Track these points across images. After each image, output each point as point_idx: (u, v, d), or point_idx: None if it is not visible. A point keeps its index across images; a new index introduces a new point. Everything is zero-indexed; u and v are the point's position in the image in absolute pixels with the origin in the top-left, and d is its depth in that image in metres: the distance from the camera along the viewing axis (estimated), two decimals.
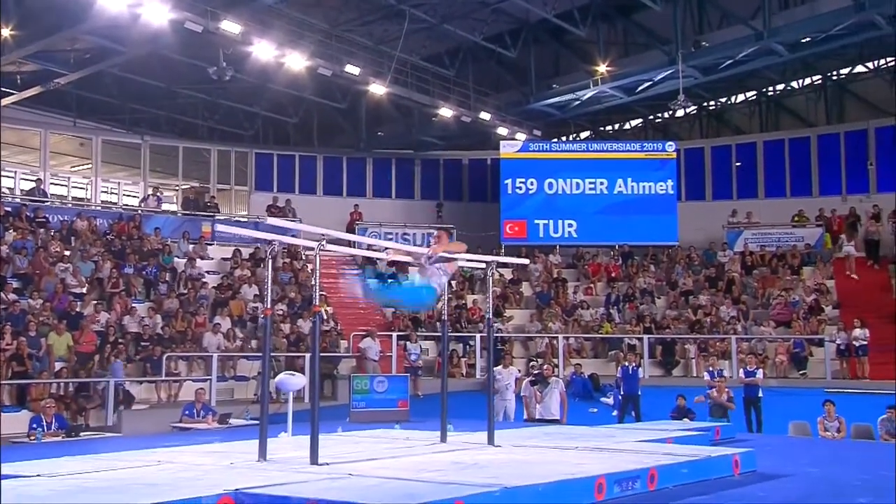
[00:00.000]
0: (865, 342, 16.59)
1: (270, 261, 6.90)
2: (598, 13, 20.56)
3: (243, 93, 22.91)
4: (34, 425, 11.29)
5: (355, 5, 19.87)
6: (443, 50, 22.28)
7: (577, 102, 22.82)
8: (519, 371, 14.43)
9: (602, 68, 21.10)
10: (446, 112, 21.61)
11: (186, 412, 12.56)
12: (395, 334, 18.07)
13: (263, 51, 17.61)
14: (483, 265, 7.95)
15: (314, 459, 6.06)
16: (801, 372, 17.30)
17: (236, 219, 22.94)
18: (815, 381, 16.74)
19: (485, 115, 22.23)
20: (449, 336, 19.09)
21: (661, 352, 18.56)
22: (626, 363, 14.28)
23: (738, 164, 24.68)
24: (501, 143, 23.38)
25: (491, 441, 7.26)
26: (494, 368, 14.58)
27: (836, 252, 21.25)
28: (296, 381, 9.30)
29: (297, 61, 18.21)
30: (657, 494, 5.40)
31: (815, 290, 19.36)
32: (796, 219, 22.49)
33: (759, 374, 13.77)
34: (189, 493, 4.84)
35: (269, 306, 6.90)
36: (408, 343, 17.06)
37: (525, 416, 12.48)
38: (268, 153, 24.47)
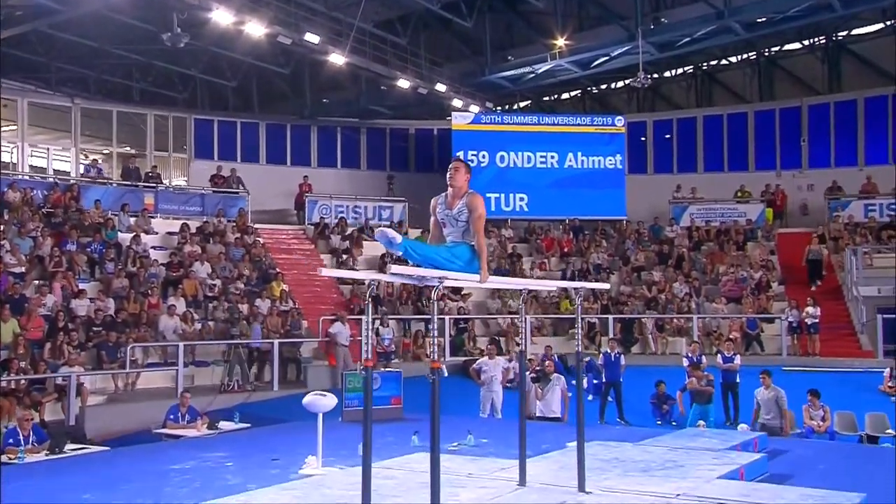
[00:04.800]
0: (817, 320, 17.28)
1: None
2: None
3: (178, 54, 21.40)
4: (10, 440, 9.72)
5: None
6: (394, 16, 21.50)
7: (532, 76, 22.59)
8: (508, 361, 14.21)
9: (560, 42, 20.89)
10: (404, 83, 20.94)
11: (171, 416, 11.59)
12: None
13: (221, 17, 16.49)
14: None
15: (582, 486, 6.42)
16: (752, 349, 17.85)
17: (178, 189, 21.71)
18: (770, 357, 17.39)
19: (441, 87, 21.69)
20: (411, 317, 19.14)
21: (619, 329, 18.86)
22: (609, 349, 14.32)
23: (667, 136, 25.08)
24: (454, 114, 22.92)
25: (582, 487, 6.40)
26: (479, 360, 14.44)
27: (775, 228, 22.12)
28: (326, 402, 8.28)
29: (256, 29, 17.15)
30: None
31: (762, 267, 20.04)
32: (739, 194, 23.12)
33: (737, 359, 14.08)
34: None
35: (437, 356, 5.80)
36: (380, 327, 16.62)
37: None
38: (208, 119, 23.14)
